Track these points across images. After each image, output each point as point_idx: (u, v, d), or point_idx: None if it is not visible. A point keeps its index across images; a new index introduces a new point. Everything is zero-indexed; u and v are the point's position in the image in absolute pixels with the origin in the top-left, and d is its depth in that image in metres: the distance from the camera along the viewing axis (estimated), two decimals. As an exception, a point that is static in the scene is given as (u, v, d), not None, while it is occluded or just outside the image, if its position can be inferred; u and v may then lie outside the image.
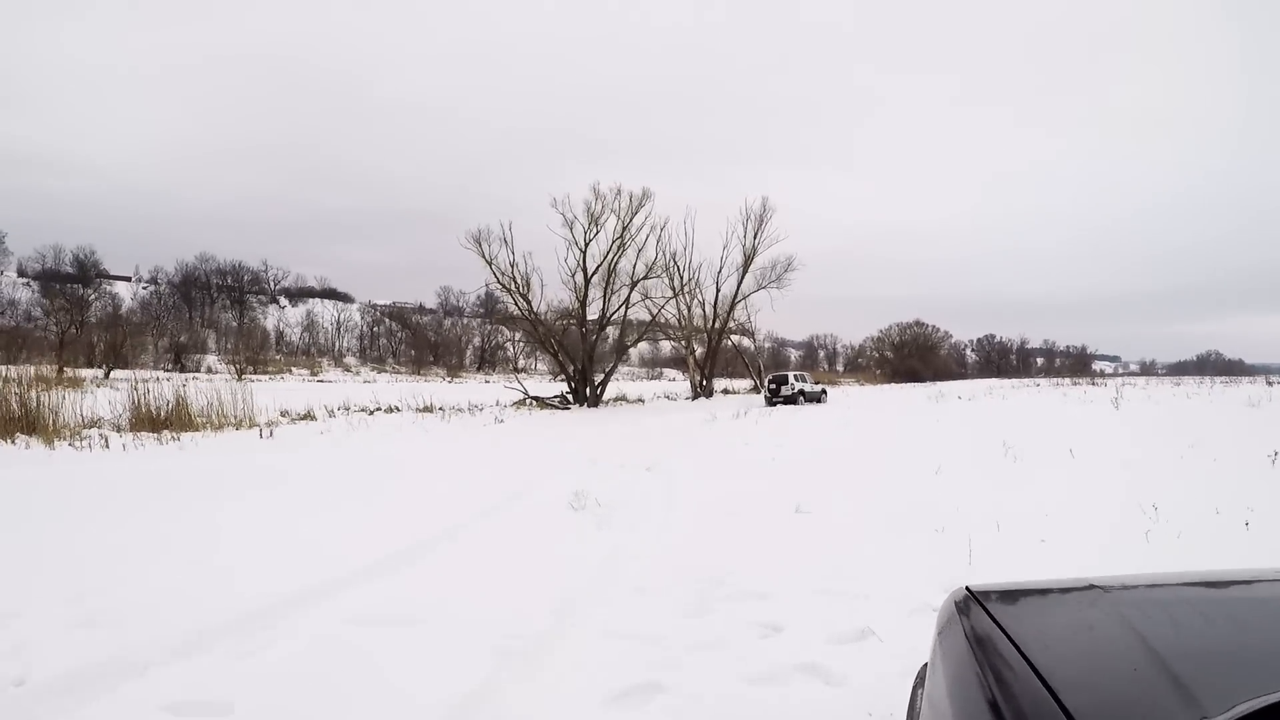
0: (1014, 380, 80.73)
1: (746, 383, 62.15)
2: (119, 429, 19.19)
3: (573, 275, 40.84)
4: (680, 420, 28.24)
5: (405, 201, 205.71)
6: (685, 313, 48.66)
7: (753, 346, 61.57)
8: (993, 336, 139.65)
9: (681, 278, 48.02)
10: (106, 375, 51.46)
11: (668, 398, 47.35)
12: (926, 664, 2.65)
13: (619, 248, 40.55)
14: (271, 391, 35.26)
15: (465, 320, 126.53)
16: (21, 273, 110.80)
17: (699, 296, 50.03)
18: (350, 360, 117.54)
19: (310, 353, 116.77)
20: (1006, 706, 1.81)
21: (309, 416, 25.40)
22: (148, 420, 19.69)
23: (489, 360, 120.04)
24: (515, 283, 38.66)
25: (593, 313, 41.36)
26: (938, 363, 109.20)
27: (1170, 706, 1.67)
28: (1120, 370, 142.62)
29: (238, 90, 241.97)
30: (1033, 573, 5.92)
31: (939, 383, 75.00)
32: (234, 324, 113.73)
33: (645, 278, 41.82)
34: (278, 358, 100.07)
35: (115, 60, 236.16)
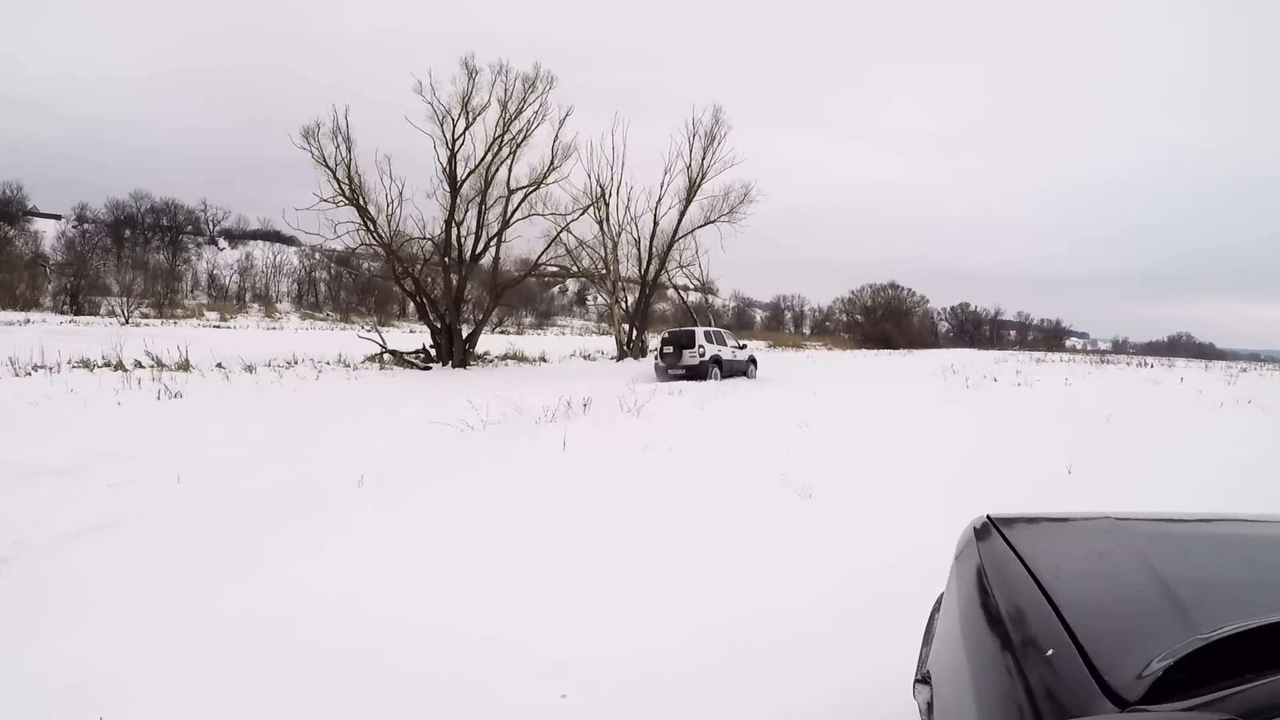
0: (1014, 352, 69.43)
1: (696, 343, 50.29)
2: None
3: (434, 193, 28.70)
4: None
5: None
6: (611, 251, 37.10)
7: (706, 301, 50.05)
8: (967, 305, 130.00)
9: (606, 204, 36.62)
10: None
11: (585, 357, 35.82)
12: (943, 594, 2.75)
13: (500, 148, 28.10)
14: (124, 338, 24.49)
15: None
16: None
17: (634, 233, 38.47)
18: (285, 306, 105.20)
19: (242, 298, 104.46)
20: (1010, 621, 1.92)
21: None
22: None
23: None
24: (351, 191, 26.36)
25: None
26: (912, 329, 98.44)
27: (1166, 625, 1.74)
28: (1090, 347, 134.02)
29: (192, 23, 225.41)
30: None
31: (920, 351, 63.75)
32: (165, 265, 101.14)
33: (536, 186, 29.20)
34: (192, 301, 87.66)
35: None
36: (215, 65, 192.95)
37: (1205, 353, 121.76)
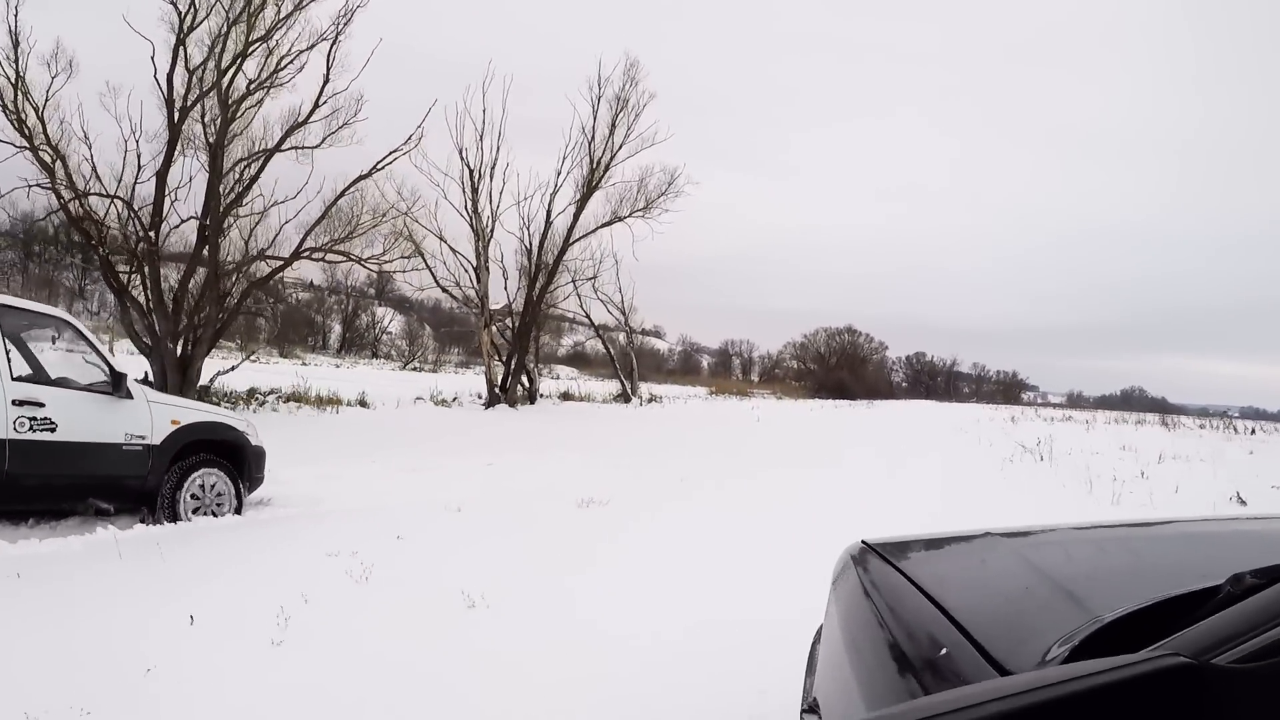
0: (997, 406, 59.35)
1: (608, 386, 39.47)
2: None
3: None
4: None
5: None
6: (480, 252, 25.73)
7: (630, 335, 38.97)
8: (923, 354, 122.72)
9: (474, 186, 25.47)
10: None
11: (440, 403, 23.89)
12: (821, 625, 2.71)
13: (244, 52, 16.68)
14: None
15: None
16: None
17: (522, 234, 27.10)
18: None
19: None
20: (900, 633, 1.86)
21: None
22: None
23: (357, 342, 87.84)
24: (18, 117, 15.05)
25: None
26: (868, 378, 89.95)
27: (1061, 615, 1.69)
28: (1041, 401, 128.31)
29: None
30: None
31: (882, 403, 54.18)
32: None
33: (300, 125, 17.44)
34: None
35: None
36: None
37: (1160, 407, 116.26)
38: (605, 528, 8.26)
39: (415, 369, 56.93)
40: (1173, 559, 2.31)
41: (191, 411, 8.42)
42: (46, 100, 15.59)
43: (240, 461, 8.58)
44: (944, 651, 1.63)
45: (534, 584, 6.08)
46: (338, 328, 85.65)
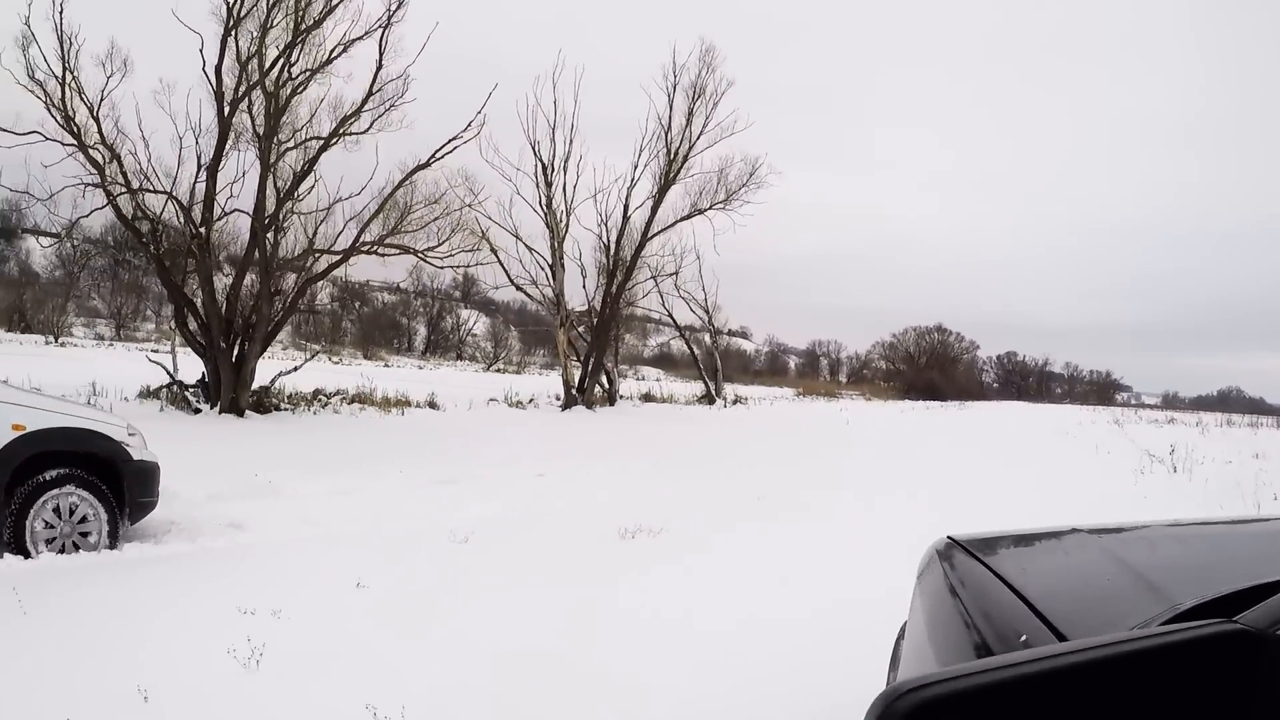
0: (1078, 406, 57.29)
1: (693, 388, 37.96)
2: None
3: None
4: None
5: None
6: (555, 249, 24.83)
7: (714, 335, 37.65)
8: (1014, 354, 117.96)
9: (548, 181, 24.51)
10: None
11: (514, 404, 22.97)
12: (905, 622, 2.66)
13: (293, 45, 15.92)
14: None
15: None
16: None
17: (600, 230, 26.07)
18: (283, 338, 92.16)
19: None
20: (980, 619, 1.88)
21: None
22: None
23: (443, 344, 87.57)
24: (65, 116, 14.64)
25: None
26: (958, 378, 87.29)
27: (1141, 601, 1.72)
28: (1135, 402, 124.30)
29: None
30: None
31: (974, 404, 52.29)
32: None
33: (354, 114, 16.61)
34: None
35: None
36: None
37: (1258, 408, 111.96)
38: (647, 576, 6.17)
39: (499, 370, 56.66)
40: (1258, 553, 2.30)
41: (47, 414, 6.41)
42: (101, 99, 15.20)
43: (116, 481, 6.63)
44: (1023, 638, 1.62)
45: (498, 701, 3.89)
46: (423, 330, 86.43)
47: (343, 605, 5.16)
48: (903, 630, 2.72)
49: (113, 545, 6.47)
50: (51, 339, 43.09)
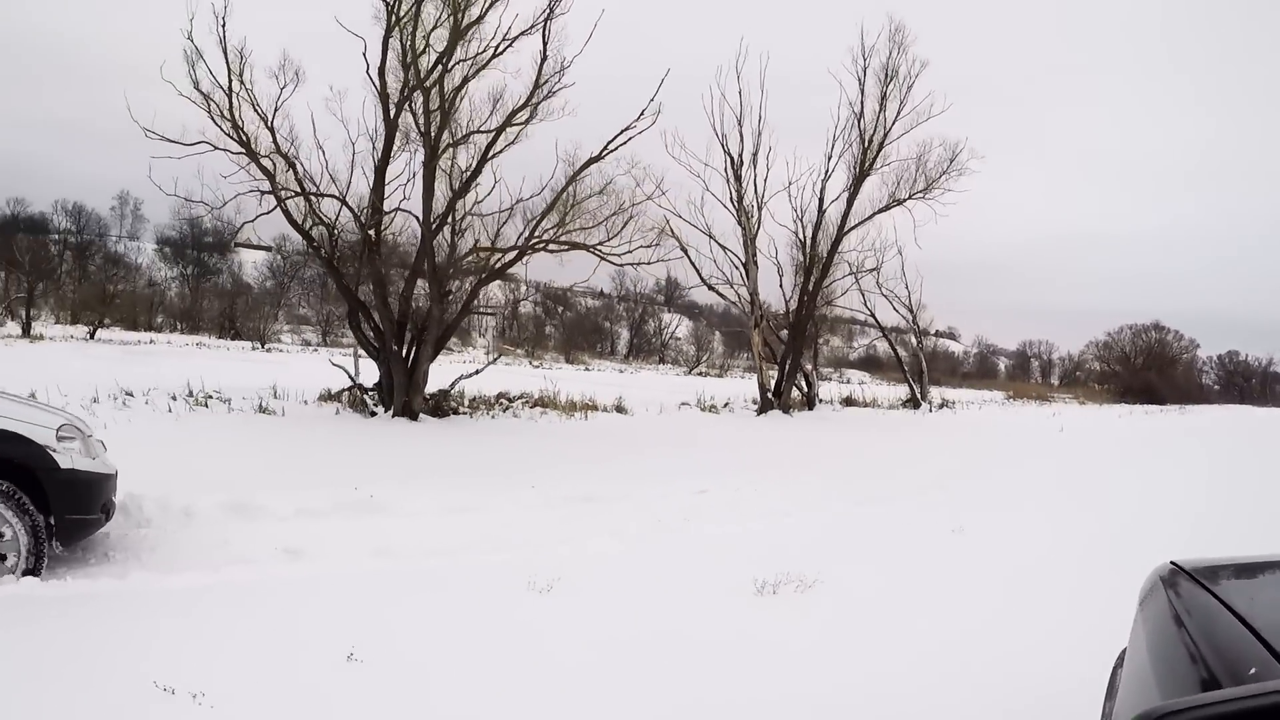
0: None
1: (898, 390, 36.24)
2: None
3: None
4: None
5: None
6: (748, 245, 23.74)
7: (918, 335, 35.11)
8: (1236, 353, 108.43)
9: (737, 176, 23.33)
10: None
11: (707, 409, 22.06)
12: (1126, 648, 2.55)
13: (456, 41, 15.34)
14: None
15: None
16: (163, 241, 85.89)
17: (797, 227, 24.70)
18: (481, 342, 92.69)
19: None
20: (1206, 650, 1.77)
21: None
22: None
23: (645, 347, 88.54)
24: (233, 125, 14.73)
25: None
26: (1177, 380, 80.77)
27: None
28: None
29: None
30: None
31: (1195, 408, 49.05)
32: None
33: (527, 109, 15.90)
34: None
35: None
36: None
37: None
38: (769, 656, 4.61)
39: (700, 374, 56.77)
40: None
41: None
42: (275, 110, 15.26)
43: (40, 493, 5.44)
44: (1253, 671, 1.56)
45: None
46: (626, 334, 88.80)
47: (325, 691, 3.91)
48: (1121, 657, 2.64)
49: (34, 571, 5.34)
50: (258, 345, 46.00)
